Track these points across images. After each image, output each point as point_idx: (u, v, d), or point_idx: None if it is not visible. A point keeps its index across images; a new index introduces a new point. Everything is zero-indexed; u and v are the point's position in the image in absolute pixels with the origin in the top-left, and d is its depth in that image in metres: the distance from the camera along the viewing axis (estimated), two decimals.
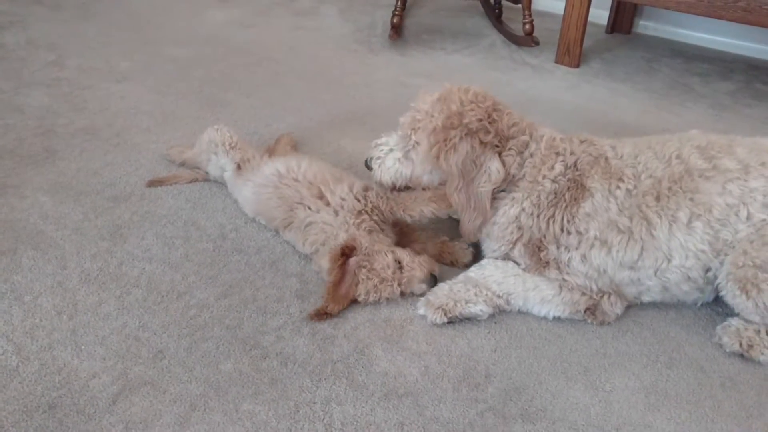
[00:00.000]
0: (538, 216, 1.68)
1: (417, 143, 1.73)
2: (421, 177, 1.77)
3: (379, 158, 1.83)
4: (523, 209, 1.69)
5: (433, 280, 1.76)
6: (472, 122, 1.65)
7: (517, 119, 1.71)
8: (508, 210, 1.71)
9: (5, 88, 2.82)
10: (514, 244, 1.73)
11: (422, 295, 1.74)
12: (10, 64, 3.05)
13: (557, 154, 1.70)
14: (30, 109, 2.66)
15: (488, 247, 1.80)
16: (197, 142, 2.21)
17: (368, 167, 1.86)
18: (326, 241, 1.80)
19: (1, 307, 1.67)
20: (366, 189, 1.87)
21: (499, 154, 1.68)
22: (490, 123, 1.67)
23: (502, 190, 1.72)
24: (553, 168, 1.68)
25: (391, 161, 1.81)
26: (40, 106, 2.69)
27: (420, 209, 1.83)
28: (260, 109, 2.76)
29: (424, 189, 1.84)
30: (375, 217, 1.83)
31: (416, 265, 1.74)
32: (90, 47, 3.30)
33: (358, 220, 1.80)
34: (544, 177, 1.68)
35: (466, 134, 1.64)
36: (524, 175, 1.70)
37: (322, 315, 1.67)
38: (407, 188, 1.85)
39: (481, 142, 1.65)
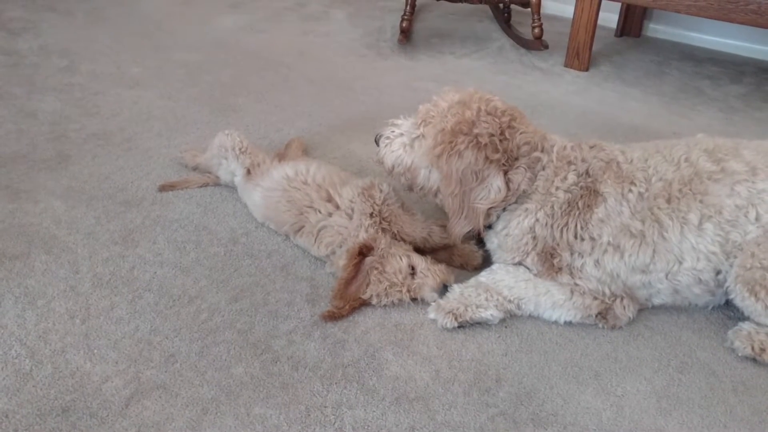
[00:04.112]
0: (551, 226, 1.68)
1: (423, 136, 1.74)
2: (419, 170, 1.77)
3: (388, 138, 1.83)
4: (537, 220, 1.69)
5: (445, 291, 1.75)
6: (482, 134, 1.64)
7: (530, 137, 1.69)
8: (522, 221, 1.71)
9: (18, 94, 2.85)
10: (528, 254, 1.73)
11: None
12: (23, 70, 3.08)
13: (569, 163, 1.69)
14: (43, 114, 2.69)
15: (500, 257, 1.80)
16: (209, 147, 2.23)
17: (377, 143, 1.86)
18: (343, 243, 1.81)
19: (15, 311, 1.69)
20: (370, 188, 1.86)
21: (505, 172, 1.67)
22: (501, 140, 1.65)
23: (513, 203, 1.72)
24: (566, 179, 1.67)
25: (398, 145, 1.80)
26: (52, 112, 2.71)
27: (414, 235, 1.85)
28: (270, 113, 2.77)
29: (417, 190, 1.83)
30: (382, 218, 1.83)
31: (430, 274, 1.74)
32: (102, 53, 3.32)
33: (371, 222, 1.80)
34: (557, 188, 1.67)
35: (473, 145, 1.63)
36: (537, 188, 1.69)
37: (333, 315, 1.68)
38: (406, 181, 1.85)
39: (488, 158, 1.64)
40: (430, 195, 1.82)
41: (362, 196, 1.84)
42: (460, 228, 1.72)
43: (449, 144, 1.65)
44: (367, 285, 1.71)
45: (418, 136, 1.76)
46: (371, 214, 1.81)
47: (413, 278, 1.73)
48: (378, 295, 1.72)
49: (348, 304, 1.70)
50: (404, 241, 1.84)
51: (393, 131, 1.82)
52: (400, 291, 1.72)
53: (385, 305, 1.74)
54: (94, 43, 3.45)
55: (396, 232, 1.83)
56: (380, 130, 1.86)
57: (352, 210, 1.84)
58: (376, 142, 1.86)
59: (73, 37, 3.51)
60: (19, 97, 2.82)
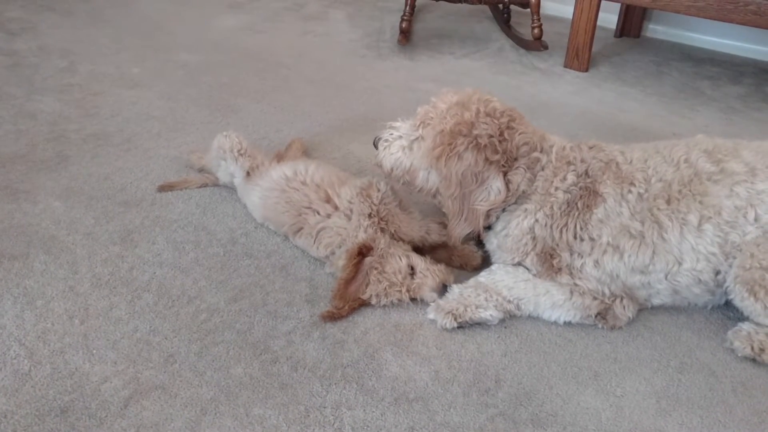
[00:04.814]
0: (551, 226, 1.67)
1: (422, 138, 1.74)
2: (418, 172, 1.76)
3: (387, 141, 1.82)
4: (537, 220, 1.69)
5: (444, 291, 1.75)
6: (482, 135, 1.64)
7: (528, 138, 1.69)
8: (521, 222, 1.70)
9: (18, 94, 2.85)
10: (527, 254, 1.72)
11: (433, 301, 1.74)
12: (23, 71, 3.08)
13: (568, 163, 1.69)
14: (42, 114, 2.69)
15: (500, 258, 1.80)
16: (210, 148, 2.22)
17: (375, 146, 1.86)
18: (343, 244, 1.81)
19: (14, 312, 1.69)
20: (368, 188, 1.85)
21: (505, 173, 1.67)
22: (500, 141, 1.65)
23: (512, 203, 1.72)
24: (565, 179, 1.67)
25: (396, 147, 1.80)
26: (52, 112, 2.71)
27: (412, 234, 1.86)
28: (270, 114, 2.77)
29: (416, 192, 1.83)
30: (380, 218, 1.83)
31: (429, 273, 1.74)
32: (101, 53, 3.32)
33: (369, 222, 1.80)
34: (556, 189, 1.67)
35: (473, 146, 1.63)
36: (536, 189, 1.69)
37: (333, 316, 1.68)
38: (404, 184, 1.85)
39: (487, 160, 1.64)
40: (429, 196, 1.81)
41: (360, 196, 1.84)
42: (460, 230, 1.72)
43: (448, 146, 1.65)
44: (367, 285, 1.71)
45: (417, 138, 1.76)
46: (370, 215, 1.81)
47: (413, 278, 1.73)
48: (377, 295, 1.71)
49: (347, 304, 1.70)
50: (402, 240, 1.84)
51: (391, 134, 1.82)
52: (400, 291, 1.72)
53: (384, 305, 1.73)
54: (94, 43, 3.45)
55: (393, 231, 1.83)
56: (379, 132, 1.86)
57: (351, 211, 1.84)
58: (375, 145, 1.86)
59: (72, 38, 3.50)
60: (19, 98, 2.82)
